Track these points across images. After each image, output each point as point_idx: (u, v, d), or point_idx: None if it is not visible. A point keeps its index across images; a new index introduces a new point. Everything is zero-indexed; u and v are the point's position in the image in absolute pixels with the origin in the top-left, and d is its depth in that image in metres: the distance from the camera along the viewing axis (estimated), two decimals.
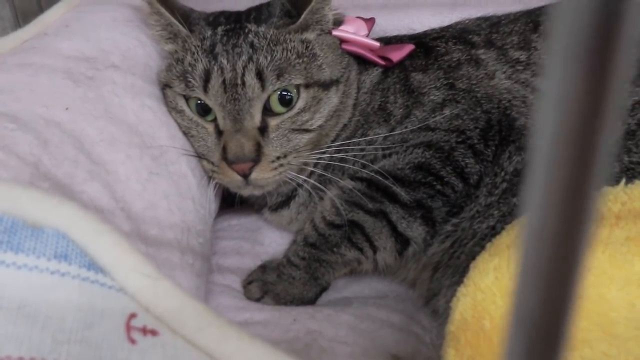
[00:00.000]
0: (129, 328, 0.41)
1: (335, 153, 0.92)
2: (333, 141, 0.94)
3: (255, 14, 0.93)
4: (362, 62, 0.99)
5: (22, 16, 1.15)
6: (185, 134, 0.92)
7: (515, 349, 0.25)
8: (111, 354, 0.40)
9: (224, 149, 0.85)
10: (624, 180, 0.62)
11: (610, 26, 0.19)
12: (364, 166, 0.90)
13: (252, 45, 0.86)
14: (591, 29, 0.19)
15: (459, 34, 0.99)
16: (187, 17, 0.93)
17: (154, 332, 0.41)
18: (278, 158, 0.86)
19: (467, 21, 1.03)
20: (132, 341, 0.41)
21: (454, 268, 0.82)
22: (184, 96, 0.89)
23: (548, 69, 0.20)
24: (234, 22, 0.91)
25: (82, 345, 0.39)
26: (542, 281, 0.23)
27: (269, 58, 0.84)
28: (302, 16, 0.88)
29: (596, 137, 0.21)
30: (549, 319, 0.24)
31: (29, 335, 0.38)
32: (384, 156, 0.90)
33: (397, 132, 0.90)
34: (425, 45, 0.99)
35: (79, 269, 0.41)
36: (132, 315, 0.42)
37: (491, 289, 0.57)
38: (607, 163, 0.21)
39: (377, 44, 0.98)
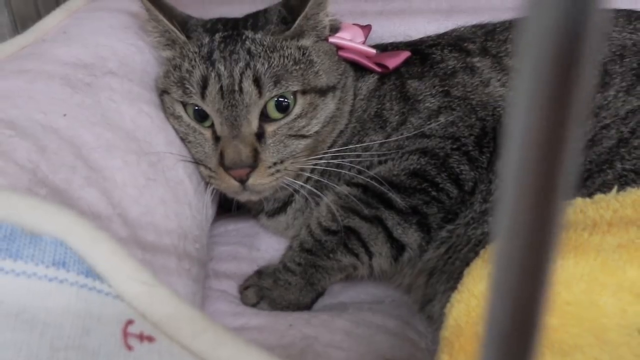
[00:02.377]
0: (125, 334, 0.41)
1: (331, 159, 0.93)
2: (329, 147, 0.95)
3: (253, 21, 0.94)
4: (359, 69, 1.00)
5: (20, 22, 1.15)
6: (182, 140, 0.92)
7: (490, 354, 0.25)
8: None
9: (221, 155, 0.85)
10: (616, 188, 0.63)
11: (574, 38, 0.20)
12: (359, 172, 0.90)
13: (249, 52, 0.86)
14: (555, 42, 0.20)
15: (455, 42, 1.00)
16: (184, 23, 0.93)
17: (150, 339, 0.42)
18: (275, 164, 0.87)
19: (462, 29, 1.04)
20: (129, 347, 0.41)
21: (449, 274, 0.82)
22: (182, 102, 0.89)
23: (517, 80, 0.21)
24: (232, 28, 0.92)
25: (79, 352, 0.40)
26: (512, 291, 0.24)
27: (266, 65, 0.85)
28: (297, 22, 0.89)
29: (562, 143, 0.21)
30: (519, 330, 0.25)
31: (27, 342, 0.38)
32: (380, 162, 0.91)
33: (392, 138, 0.90)
34: (421, 52, 1.00)
35: (76, 276, 0.42)
36: (129, 322, 0.42)
37: (485, 295, 0.57)
38: (572, 173, 0.22)
39: (374, 51, 0.98)
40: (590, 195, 0.63)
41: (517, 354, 0.25)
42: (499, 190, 0.24)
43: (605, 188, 0.65)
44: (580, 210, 0.61)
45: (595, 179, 0.74)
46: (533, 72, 0.20)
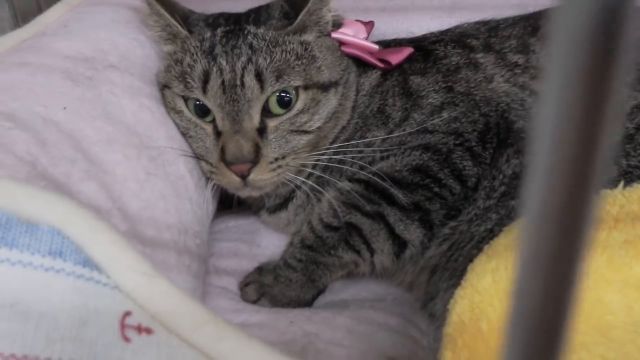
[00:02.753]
0: (123, 326, 0.41)
1: (333, 155, 0.92)
2: (331, 143, 0.94)
3: (255, 16, 0.93)
4: (361, 65, 0.99)
5: (21, 16, 1.14)
6: (183, 134, 0.92)
7: (513, 353, 0.24)
8: (105, 352, 0.39)
9: (223, 150, 0.84)
10: (622, 184, 0.62)
11: (610, 30, 0.19)
12: (362, 168, 0.89)
13: (251, 46, 0.86)
14: (591, 32, 0.19)
15: (458, 38, 0.99)
16: (186, 18, 0.93)
17: (148, 331, 0.41)
18: (276, 159, 0.86)
19: (465, 25, 1.04)
20: (127, 339, 0.40)
21: (452, 271, 0.81)
22: (183, 97, 0.89)
23: (547, 72, 0.20)
24: (234, 23, 0.91)
25: (75, 343, 0.39)
26: (541, 285, 0.23)
27: (268, 59, 0.84)
28: (299, 17, 0.89)
29: (595, 141, 0.20)
30: (548, 323, 0.24)
31: (22, 333, 0.38)
32: (382, 158, 0.90)
33: (395, 134, 0.90)
34: (424, 48, 0.99)
35: (73, 266, 0.41)
36: (127, 314, 0.41)
37: (489, 291, 0.57)
38: (606, 166, 0.21)
39: (376, 46, 0.98)
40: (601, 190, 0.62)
41: (546, 346, 0.24)
42: (526, 189, 0.23)
43: (610, 184, 0.64)
44: None
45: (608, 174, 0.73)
46: (566, 65, 0.19)
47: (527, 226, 0.23)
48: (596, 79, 0.20)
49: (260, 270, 0.95)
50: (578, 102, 0.20)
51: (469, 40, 0.98)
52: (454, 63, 0.95)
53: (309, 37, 0.91)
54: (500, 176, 0.84)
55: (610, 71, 0.20)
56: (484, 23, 1.02)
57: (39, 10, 1.14)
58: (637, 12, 0.19)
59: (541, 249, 0.23)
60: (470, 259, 0.66)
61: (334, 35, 0.96)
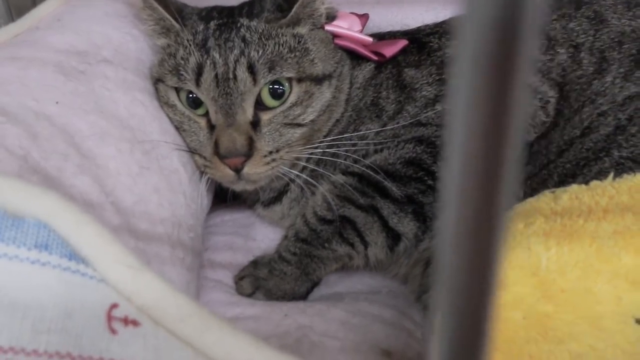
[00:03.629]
0: (110, 318, 0.41)
1: (327, 148, 0.92)
2: (325, 136, 0.94)
3: (248, 9, 0.93)
4: (355, 58, 0.99)
5: (16, 10, 1.14)
6: (177, 128, 0.92)
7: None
8: (91, 344, 0.40)
9: (216, 144, 0.84)
10: (611, 175, 0.62)
11: (509, 36, 0.19)
12: (355, 161, 0.89)
13: (244, 39, 0.86)
14: (488, 45, 0.19)
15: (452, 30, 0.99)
16: (180, 11, 0.93)
17: (135, 323, 0.41)
18: (270, 153, 0.86)
19: None
20: (113, 331, 0.41)
21: None
22: (176, 89, 0.89)
23: (455, 76, 0.20)
24: (227, 16, 0.91)
25: (62, 335, 0.39)
26: (459, 297, 0.24)
27: (260, 52, 0.84)
28: (293, 10, 0.88)
29: (501, 147, 0.21)
30: (469, 334, 0.24)
31: (8, 325, 0.38)
32: (376, 151, 0.90)
33: (389, 127, 0.90)
34: (419, 41, 0.99)
35: (59, 259, 0.41)
36: (114, 306, 0.41)
37: None
38: (515, 172, 0.21)
39: (370, 39, 0.98)
40: (586, 182, 0.62)
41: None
42: (441, 199, 0.23)
43: (601, 176, 0.64)
44: (575, 196, 0.60)
45: (592, 166, 0.73)
46: (471, 71, 0.20)
47: (442, 241, 0.23)
48: (498, 80, 0.20)
49: (255, 263, 0.96)
50: (481, 110, 0.20)
51: None
52: (448, 55, 0.94)
53: (302, 29, 0.91)
54: None
55: (510, 80, 0.20)
56: None
57: (33, 4, 1.14)
58: (536, 15, 0.19)
59: (456, 259, 0.23)
60: None
61: (327, 27, 0.96)
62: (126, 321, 0.41)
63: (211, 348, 0.40)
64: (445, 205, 0.22)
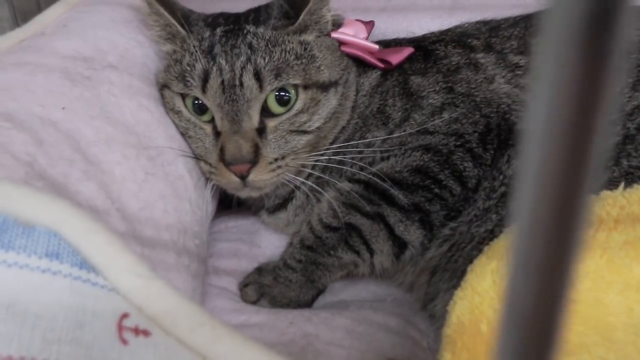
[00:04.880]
0: (120, 328, 0.40)
1: (333, 155, 0.92)
2: (331, 143, 0.94)
3: (254, 16, 0.93)
4: (361, 65, 0.99)
5: (21, 16, 1.14)
6: (182, 135, 0.91)
7: (506, 352, 0.24)
8: (102, 355, 0.39)
9: (222, 150, 0.84)
10: (622, 185, 0.62)
11: (603, 28, 0.19)
12: (362, 169, 0.89)
13: (250, 46, 0.85)
14: (582, 34, 0.19)
15: (459, 38, 0.99)
16: (186, 18, 0.93)
17: (146, 333, 0.41)
18: (276, 160, 0.86)
19: (466, 25, 1.03)
20: (124, 341, 0.40)
21: (452, 272, 0.81)
22: (182, 95, 0.88)
23: (539, 70, 0.20)
24: (233, 23, 0.91)
25: (72, 345, 0.39)
26: (533, 289, 0.23)
27: (267, 59, 0.84)
28: (300, 17, 0.88)
29: (587, 143, 0.20)
30: (541, 323, 0.23)
31: (18, 334, 0.37)
32: (382, 159, 0.90)
33: (395, 135, 0.89)
34: (425, 48, 0.99)
35: (70, 267, 0.41)
36: (124, 315, 0.41)
37: (488, 292, 0.56)
38: (598, 169, 0.21)
39: (376, 46, 0.97)
40: (596, 192, 0.62)
41: (539, 345, 0.23)
42: (518, 189, 0.22)
43: (611, 185, 0.64)
44: None
45: (602, 176, 0.73)
46: (556, 67, 0.19)
47: (519, 229, 0.22)
48: (587, 81, 0.19)
49: (259, 270, 0.95)
50: (569, 104, 0.20)
51: (469, 40, 0.97)
52: (454, 63, 0.94)
53: (309, 37, 0.91)
54: (501, 177, 0.83)
55: (601, 74, 0.19)
56: (485, 23, 1.02)
57: (39, 9, 1.14)
58: (631, 13, 0.18)
59: (533, 253, 0.22)
60: (470, 259, 0.66)
61: (333, 35, 0.96)
62: (137, 331, 0.40)
63: (223, 358, 0.40)
64: (521, 206, 0.22)
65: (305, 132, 0.88)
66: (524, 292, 0.23)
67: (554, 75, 0.19)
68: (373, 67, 0.98)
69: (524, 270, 0.23)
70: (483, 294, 0.57)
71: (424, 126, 0.88)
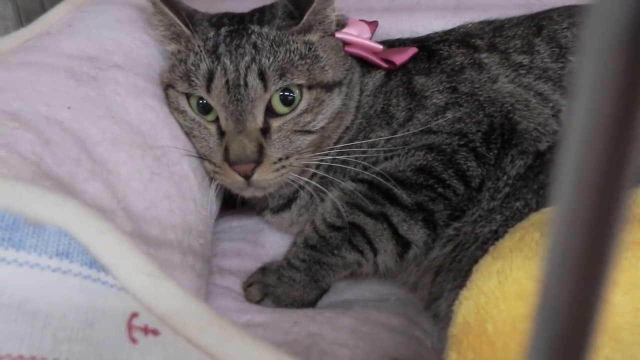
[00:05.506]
0: (130, 327, 0.41)
1: (337, 155, 0.92)
2: (335, 143, 0.94)
3: (259, 16, 0.93)
4: (365, 65, 0.99)
5: (25, 16, 1.14)
6: (187, 134, 0.91)
7: (539, 348, 0.24)
8: (112, 354, 0.39)
9: (226, 150, 0.84)
10: None
11: None
12: (365, 168, 0.89)
13: (255, 46, 0.86)
14: (626, 28, 0.19)
15: (462, 38, 0.99)
16: (190, 17, 0.93)
17: (155, 332, 0.41)
18: (280, 159, 0.86)
19: (470, 25, 1.03)
20: (134, 341, 0.40)
21: (456, 272, 0.81)
22: (186, 95, 0.89)
23: (582, 67, 0.20)
24: (237, 23, 0.91)
25: (83, 344, 0.39)
26: (569, 285, 0.23)
27: (271, 59, 0.84)
28: (305, 17, 0.88)
29: (627, 139, 0.20)
30: (577, 318, 0.23)
31: (29, 333, 0.38)
32: (386, 158, 0.90)
33: (399, 134, 0.89)
34: (429, 48, 0.99)
35: (80, 267, 0.41)
36: (134, 315, 0.41)
37: (494, 292, 0.56)
38: (636, 166, 0.21)
39: (380, 46, 0.98)
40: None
41: (574, 341, 0.23)
42: (556, 187, 0.22)
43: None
44: None
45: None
46: (599, 65, 0.19)
47: (557, 224, 0.22)
48: (628, 80, 0.19)
49: (263, 270, 0.95)
50: (610, 103, 0.20)
51: (473, 40, 0.97)
52: (458, 63, 0.94)
53: (313, 37, 0.91)
54: (505, 177, 0.83)
55: None
56: (489, 23, 1.02)
57: (43, 9, 1.14)
58: None
59: (570, 248, 0.22)
60: (474, 260, 0.66)
61: (337, 35, 0.96)
62: (146, 330, 0.40)
63: (232, 358, 0.40)
64: (560, 199, 0.22)
65: (309, 132, 0.88)
66: (559, 290, 0.23)
67: (596, 71, 0.19)
68: (377, 67, 0.98)
69: (561, 267, 0.23)
70: (489, 294, 0.57)
71: (428, 126, 0.88)
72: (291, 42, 0.88)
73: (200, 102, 0.87)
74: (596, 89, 0.20)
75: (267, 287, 0.92)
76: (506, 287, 0.56)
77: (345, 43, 0.96)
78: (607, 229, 0.22)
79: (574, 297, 0.23)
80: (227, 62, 0.84)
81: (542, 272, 0.23)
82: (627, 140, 0.20)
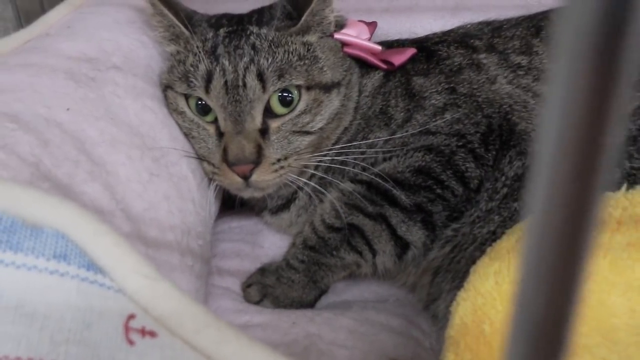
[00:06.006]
0: (127, 329, 0.41)
1: (336, 156, 0.92)
2: (334, 144, 0.94)
3: (257, 17, 0.93)
4: (364, 66, 0.99)
5: (25, 17, 1.15)
6: (186, 135, 0.92)
7: (516, 353, 0.24)
8: (109, 355, 0.40)
9: (225, 151, 0.85)
10: (625, 186, 0.62)
11: (616, 28, 0.19)
12: (364, 169, 0.89)
13: (253, 47, 0.86)
14: (596, 31, 0.19)
15: (461, 39, 0.99)
16: (189, 18, 0.93)
17: (152, 334, 0.41)
18: (279, 160, 0.86)
19: (469, 25, 1.03)
20: (131, 342, 0.41)
21: (454, 273, 0.81)
22: (185, 96, 0.89)
23: (552, 71, 0.20)
24: (236, 24, 0.91)
25: (80, 346, 0.39)
26: (545, 285, 0.23)
27: (270, 60, 0.85)
28: (303, 18, 0.89)
29: (599, 142, 0.20)
30: (552, 323, 0.24)
31: (27, 335, 0.38)
32: (385, 159, 0.90)
33: (397, 135, 0.90)
34: (427, 49, 0.99)
35: (78, 269, 0.41)
36: (131, 316, 0.41)
37: (491, 293, 0.57)
38: (610, 169, 0.21)
39: (379, 47, 0.98)
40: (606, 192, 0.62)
41: (549, 346, 0.24)
42: (530, 191, 0.23)
43: (613, 187, 0.64)
44: None
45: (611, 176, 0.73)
46: (570, 66, 0.19)
47: (531, 228, 0.23)
48: (601, 77, 0.20)
49: (262, 271, 0.95)
50: (582, 104, 0.20)
51: (472, 41, 0.97)
52: (456, 64, 0.94)
53: (311, 37, 0.91)
54: (503, 178, 0.83)
55: (614, 73, 0.20)
56: (487, 23, 1.02)
57: (43, 10, 1.14)
58: None
59: (544, 251, 0.23)
60: (472, 261, 0.66)
61: (336, 36, 0.96)
62: (143, 332, 0.41)
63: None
64: (535, 199, 0.22)
65: (308, 132, 0.89)
66: (534, 293, 0.23)
67: (567, 74, 0.20)
68: (376, 68, 0.98)
69: (536, 270, 0.23)
70: (486, 295, 0.57)
71: (426, 127, 0.88)
72: (290, 43, 0.88)
73: (199, 103, 0.88)
74: (567, 90, 0.20)
75: (266, 287, 0.92)
76: (503, 288, 0.56)
77: (344, 44, 0.97)
78: (580, 232, 0.22)
79: (549, 299, 0.23)
80: (226, 63, 0.85)
81: (518, 275, 0.24)
82: (599, 142, 0.20)
